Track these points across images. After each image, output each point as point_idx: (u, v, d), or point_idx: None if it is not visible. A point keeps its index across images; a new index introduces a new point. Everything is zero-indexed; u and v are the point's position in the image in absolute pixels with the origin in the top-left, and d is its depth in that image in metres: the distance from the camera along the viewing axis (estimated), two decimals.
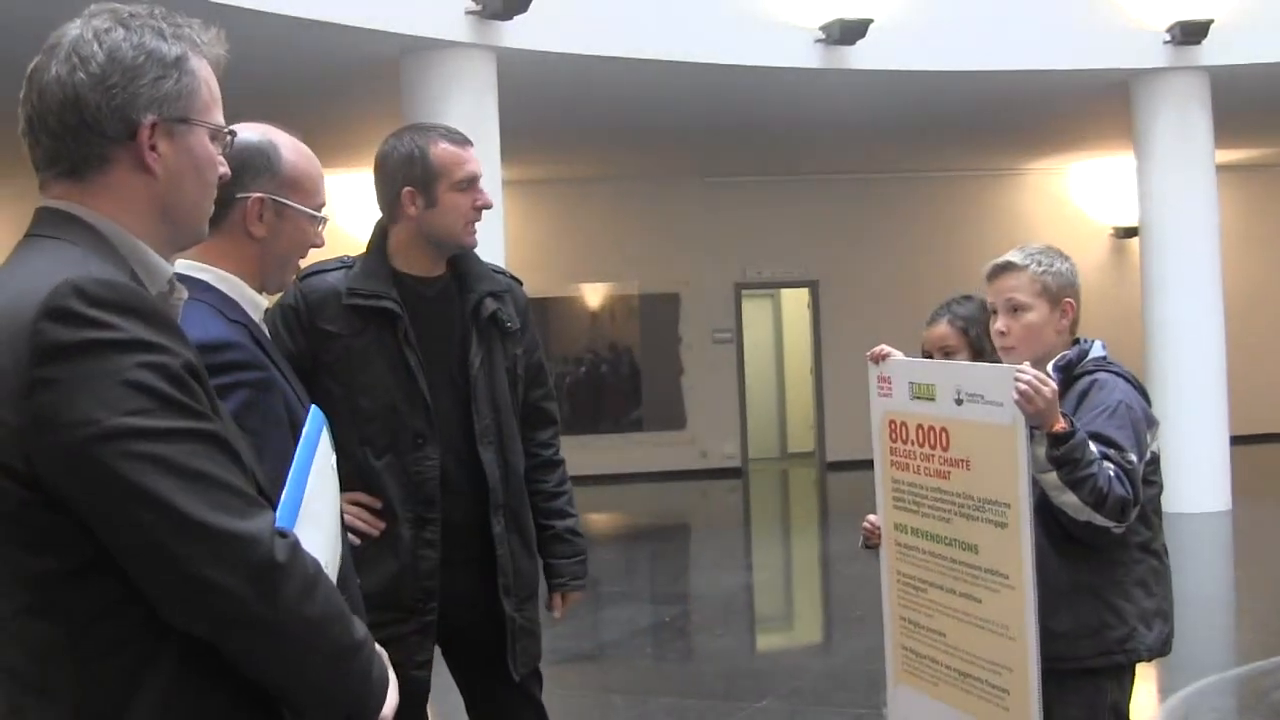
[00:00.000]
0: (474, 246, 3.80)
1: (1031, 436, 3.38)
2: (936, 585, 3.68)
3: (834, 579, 11.41)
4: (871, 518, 3.99)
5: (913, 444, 3.70)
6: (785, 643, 9.68)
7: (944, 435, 3.59)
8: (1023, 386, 3.32)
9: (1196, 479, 12.27)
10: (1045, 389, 3.34)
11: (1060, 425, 3.39)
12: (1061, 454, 3.38)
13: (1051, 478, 3.42)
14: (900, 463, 3.77)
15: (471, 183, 3.72)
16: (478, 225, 3.76)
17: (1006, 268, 3.77)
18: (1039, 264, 3.73)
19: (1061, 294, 3.72)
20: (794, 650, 9.33)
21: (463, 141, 3.76)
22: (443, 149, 3.71)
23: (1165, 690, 6.84)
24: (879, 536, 3.93)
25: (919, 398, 3.67)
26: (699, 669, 8.34)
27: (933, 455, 3.63)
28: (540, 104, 12.72)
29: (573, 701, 7.09)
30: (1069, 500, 3.43)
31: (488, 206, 3.75)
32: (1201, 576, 10.03)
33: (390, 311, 3.64)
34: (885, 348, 3.84)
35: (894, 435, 3.78)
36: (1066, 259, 3.80)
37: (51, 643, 1.79)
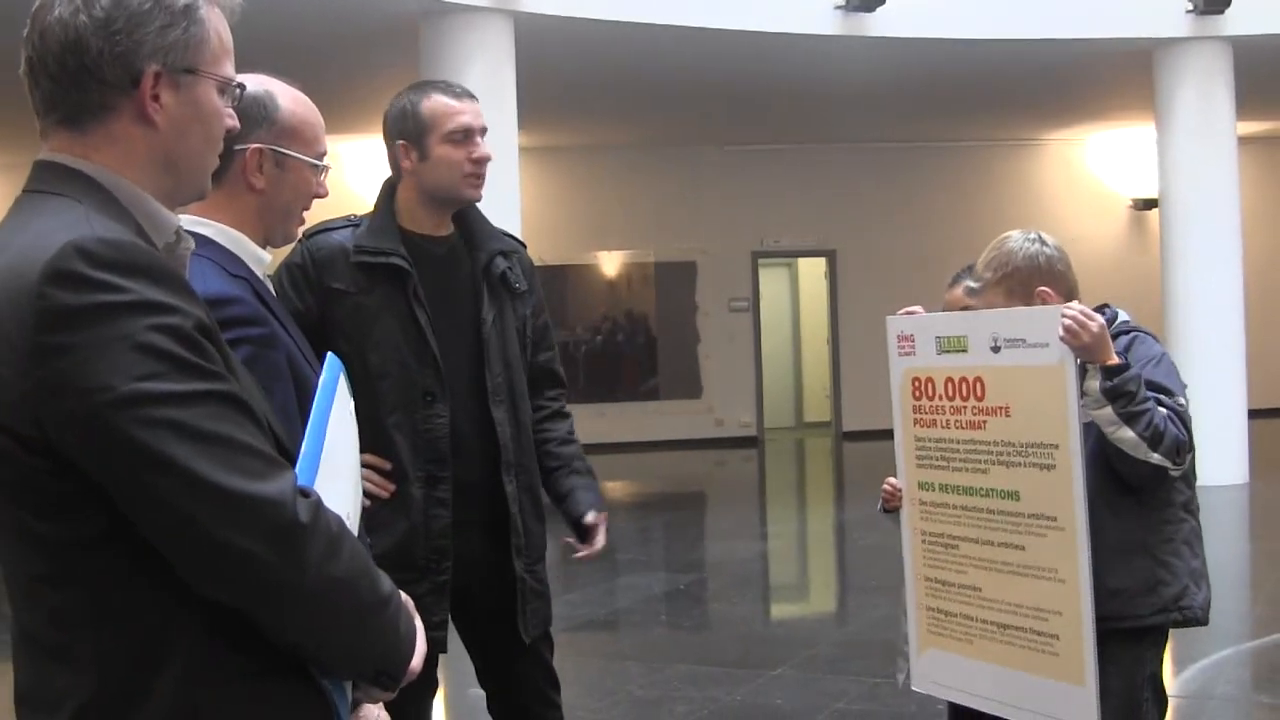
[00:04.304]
0: (476, 200, 3.75)
1: (1084, 372, 3.37)
2: (970, 539, 3.66)
3: (849, 548, 11.41)
4: (892, 480, 3.96)
5: (940, 399, 3.68)
6: (800, 611, 9.68)
7: (978, 385, 3.56)
8: (1068, 322, 3.31)
9: (1214, 452, 12.09)
10: (1092, 324, 3.33)
11: (1113, 360, 3.38)
12: (1116, 384, 3.37)
13: (1107, 412, 3.40)
14: (925, 420, 3.75)
15: (466, 135, 3.68)
16: (482, 181, 3.71)
17: (972, 293, 3.82)
18: (994, 272, 3.71)
19: (1031, 284, 3.67)
20: (809, 618, 9.33)
21: (460, 94, 3.73)
22: (435, 101, 3.70)
23: (1181, 662, 6.83)
24: (899, 500, 3.91)
25: (948, 351, 3.64)
26: (714, 637, 8.34)
27: (964, 407, 3.61)
28: (557, 70, 12.68)
29: (587, 668, 7.10)
30: (1126, 436, 3.41)
31: (485, 159, 3.70)
32: (1218, 549, 9.91)
33: (399, 269, 3.62)
34: (915, 308, 3.83)
35: (917, 393, 3.76)
36: (1034, 242, 3.71)
37: (73, 610, 1.76)
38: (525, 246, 3.98)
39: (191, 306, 1.77)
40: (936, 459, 3.73)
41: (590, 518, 3.85)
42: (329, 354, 2.21)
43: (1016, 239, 3.74)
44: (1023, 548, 3.50)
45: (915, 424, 3.79)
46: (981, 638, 3.66)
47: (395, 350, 3.61)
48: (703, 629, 8.61)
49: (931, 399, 3.71)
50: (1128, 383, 3.38)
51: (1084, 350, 3.33)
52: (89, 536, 1.74)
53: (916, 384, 3.76)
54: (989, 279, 3.73)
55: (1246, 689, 6.88)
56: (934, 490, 3.76)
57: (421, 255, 3.68)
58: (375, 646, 1.90)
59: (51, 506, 1.74)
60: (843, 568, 11.03)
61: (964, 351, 3.59)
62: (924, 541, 3.83)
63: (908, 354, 3.78)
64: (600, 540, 3.87)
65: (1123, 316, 3.73)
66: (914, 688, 3.97)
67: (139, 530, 1.73)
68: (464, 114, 3.69)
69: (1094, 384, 3.38)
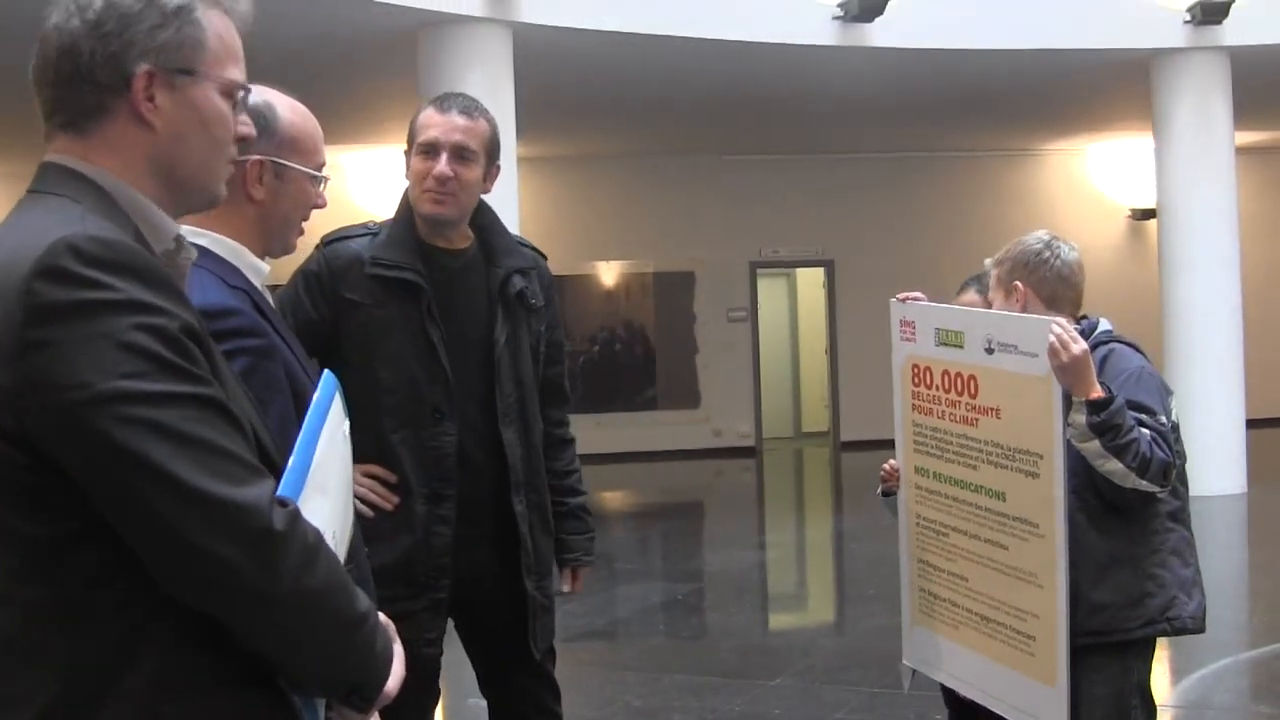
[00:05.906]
0: (431, 217, 3.62)
1: (1070, 405, 3.37)
2: (959, 530, 3.68)
3: (847, 558, 11.41)
4: (892, 461, 3.98)
5: (937, 389, 3.70)
6: (799, 621, 9.68)
7: (972, 383, 3.59)
8: (1050, 339, 3.32)
9: (1212, 462, 12.18)
10: (1074, 346, 3.32)
11: (1097, 392, 3.37)
12: (1102, 420, 3.36)
13: (1094, 446, 3.40)
14: (924, 407, 3.77)
15: (430, 148, 3.60)
16: (440, 199, 3.59)
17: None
18: (1000, 254, 3.82)
19: (1013, 277, 3.75)
20: (807, 628, 9.32)
21: (448, 108, 3.64)
22: (423, 113, 3.66)
23: (1179, 672, 6.83)
24: (896, 480, 3.93)
25: (946, 344, 3.66)
26: (712, 646, 8.34)
27: (959, 402, 3.63)
28: (556, 80, 12.69)
29: (586, 678, 7.09)
30: (1114, 468, 3.42)
31: (442, 177, 3.57)
32: (1216, 559, 9.97)
33: (414, 284, 3.59)
34: (918, 294, 3.86)
35: (917, 379, 3.78)
36: (1041, 242, 3.78)
37: (42, 608, 1.74)
38: (545, 258, 3.95)
39: (180, 310, 1.77)
40: (932, 447, 3.76)
41: (567, 580, 3.98)
42: (326, 371, 2.20)
43: (1035, 235, 3.81)
44: (1007, 548, 3.54)
45: (914, 409, 3.82)
46: (966, 625, 3.70)
47: (405, 366, 3.58)
48: (701, 639, 8.62)
49: (929, 388, 3.73)
50: (1114, 416, 3.37)
51: (1062, 371, 3.33)
52: (63, 534, 1.73)
53: (916, 370, 3.79)
54: (994, 259, 3.82)
55: (1245, 699, 6.89)
56: (929, 477, 3.79)
57: (437, 269, 3.64)
58: (347, 664, 1.87)
59: (27, 502, 1.73)
60: (841, 577, 11.03)
61: (960, 348, 3.62)
62: (917, 524, 3.86)
63: (909, 340, 3.80)
64: (572, 588, 4.00)
65: (1103, 326, 3.75)
66: (904, 661, 4.00)
67: (113, 530, 1.72)
68: (432, 128, 3.61)
69: (1080, 418, 3.37)
